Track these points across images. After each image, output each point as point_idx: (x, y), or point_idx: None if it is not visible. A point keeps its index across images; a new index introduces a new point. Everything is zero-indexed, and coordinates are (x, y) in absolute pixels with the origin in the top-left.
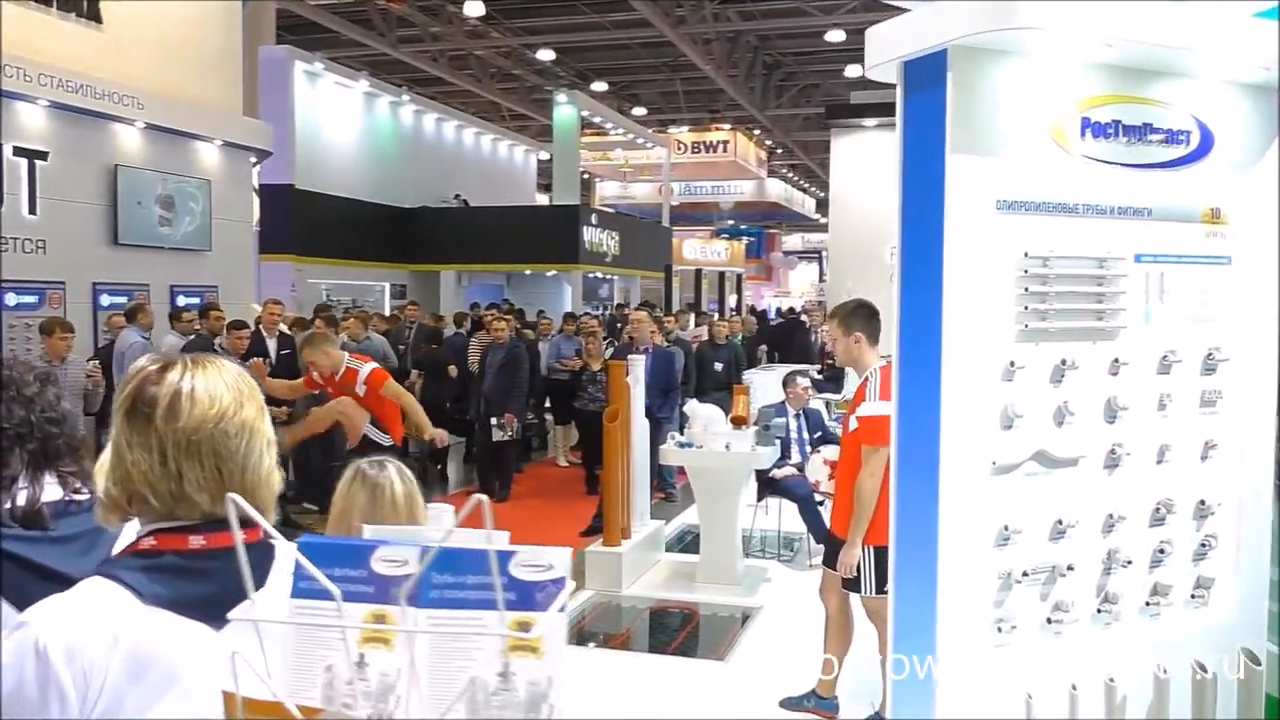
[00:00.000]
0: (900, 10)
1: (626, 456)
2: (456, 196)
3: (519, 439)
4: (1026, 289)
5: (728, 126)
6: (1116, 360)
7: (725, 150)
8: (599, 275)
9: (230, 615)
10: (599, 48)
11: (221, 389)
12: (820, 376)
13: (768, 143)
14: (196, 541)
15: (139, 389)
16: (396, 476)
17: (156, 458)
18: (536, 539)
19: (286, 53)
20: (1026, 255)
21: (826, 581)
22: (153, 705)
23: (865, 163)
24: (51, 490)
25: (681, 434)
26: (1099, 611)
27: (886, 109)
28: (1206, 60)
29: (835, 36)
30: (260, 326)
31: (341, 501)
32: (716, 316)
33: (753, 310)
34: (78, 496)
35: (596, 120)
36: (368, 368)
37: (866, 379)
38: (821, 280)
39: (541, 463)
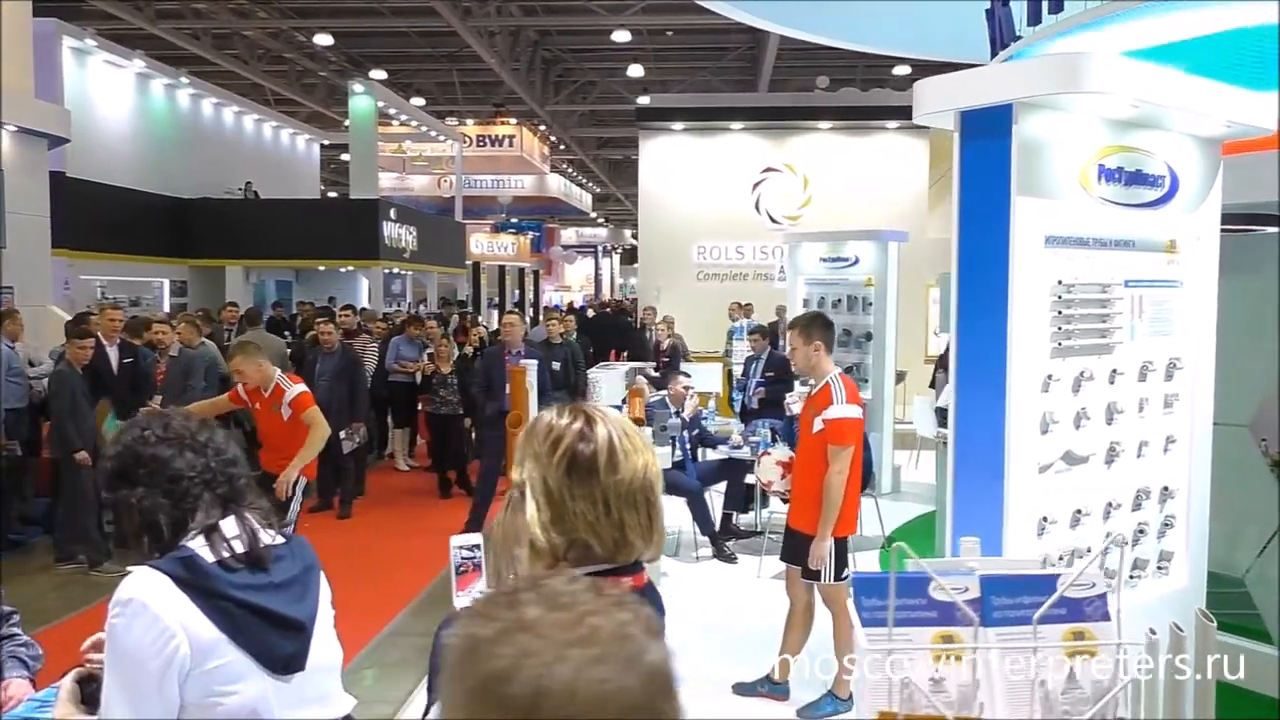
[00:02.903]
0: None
1: None
2: (247, 185)
3: (365, 447)
4: (1060, 312)
5: (514, 121)
6: (1114, 370)
7: (511, 145)
8: (395, 271)
9: (865, 647)
10: (374, 34)
11: (639, 440)
12: (656, 374)
13: (551, 138)
14: (626, 583)
15: (574, 447)
16: None
17: (601, 508)
18: (406, 547)
19: (55, 27)
20: (1059, 283)
21: (791, 577)
22: None
23: (674, 164)
24: (268, 535)
25: None
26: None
27: (692, 114)
28: (1185, 116)
29: (621, 37)
30: (99, 335)
31: (501, 529)
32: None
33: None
34: (278, 540)
35: (391, 111)
36: (295, 389)
37: (828, 383)
38: (598, 274)
39: (378, 468)
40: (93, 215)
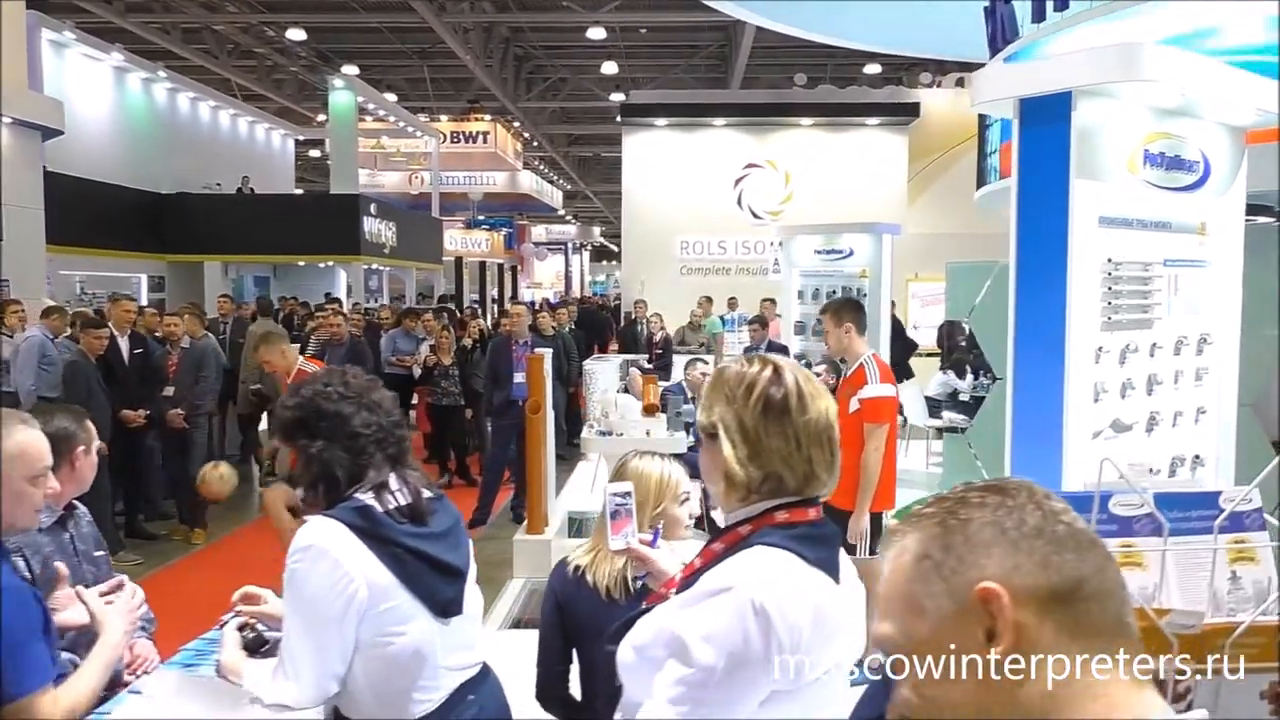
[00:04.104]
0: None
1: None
2: (244, 180)
3: None
4: (1109, 288)
5: (488, 117)
6: (1154, 345)
7: (486, 141)
8: (373, 266)
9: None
10: (345, 30)
11: (818, 385)
12: (650, 366)
13: (525, 134)
14: (813, 513)
15: (767, 391)
16: (660, 466)
17: (793, 445)
18: None
19: (35, 19)
20: (1109, 260)
21: None
22: (823, 650)
23: (656, 160)
24: (428, 491)
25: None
26: None
27: (675, 110)
28: (1219, 104)
29: (596, 34)
30: (110, 326)
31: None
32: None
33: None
34: (430, 493)
35: (370, 107)
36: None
37: (862, 365)
38: (568, 271)
39: None
40: (71, 210)
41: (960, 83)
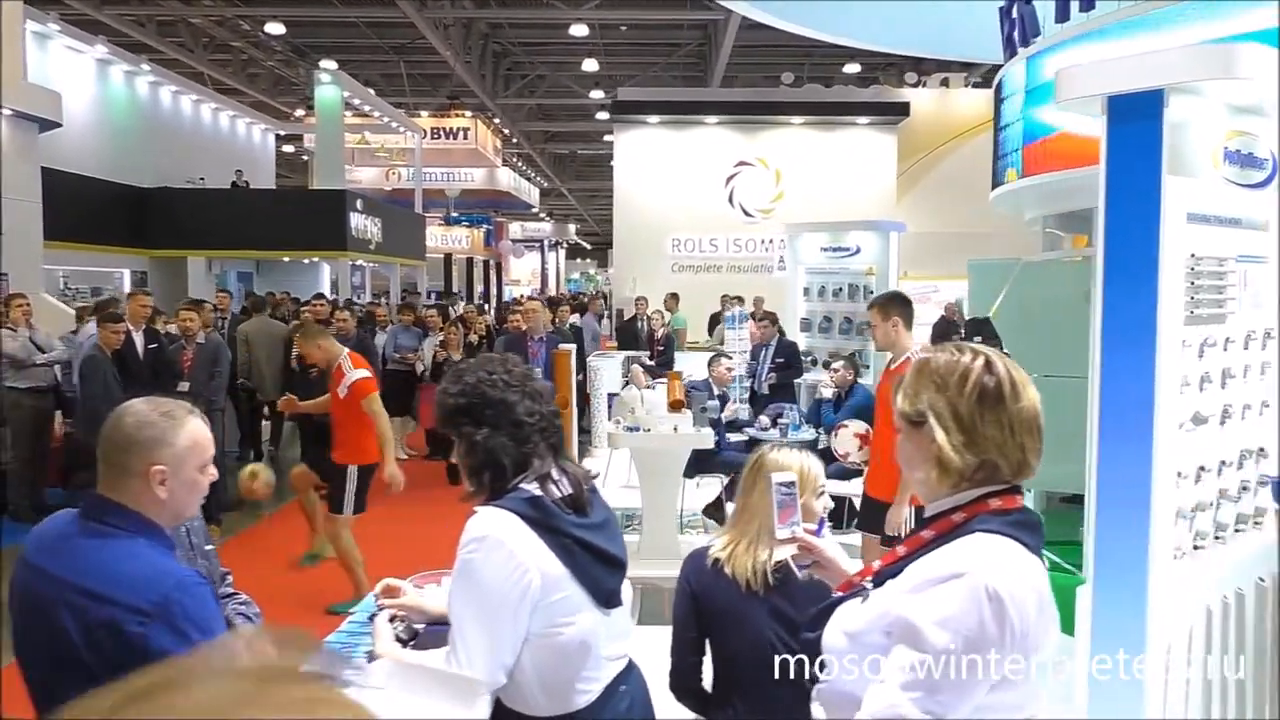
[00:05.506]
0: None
1: (572, 442)
2: (238, 173)
3: None
4: (1192, 283)
5: (469, 113)
6: (1228, 339)
7: (466, 137)
8: (356, 262)
9: None
10: (322, 24)
11: (1025, 375)
12: (652, 363)
13: (504, 131)
14: (1020, 500)
15: (982, 380)
16: (799, 459)
17: (1007, 433)
18: (438, 531)
19: (21, 11)
20: (1193, 256)
21: (866, 544)
22: (1044, 637)
23: (648, 158)
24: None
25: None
26: (1215, 538)
27: (666, 107)
28: None
29: (579, 31)
30: (125, 320)
31: (747, 495)
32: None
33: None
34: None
35: (355, 102)
36: (356, 374)
37: (908, 358)
38: (544, 269)
39: None
40: (54, 204)
41: (945, 83)
